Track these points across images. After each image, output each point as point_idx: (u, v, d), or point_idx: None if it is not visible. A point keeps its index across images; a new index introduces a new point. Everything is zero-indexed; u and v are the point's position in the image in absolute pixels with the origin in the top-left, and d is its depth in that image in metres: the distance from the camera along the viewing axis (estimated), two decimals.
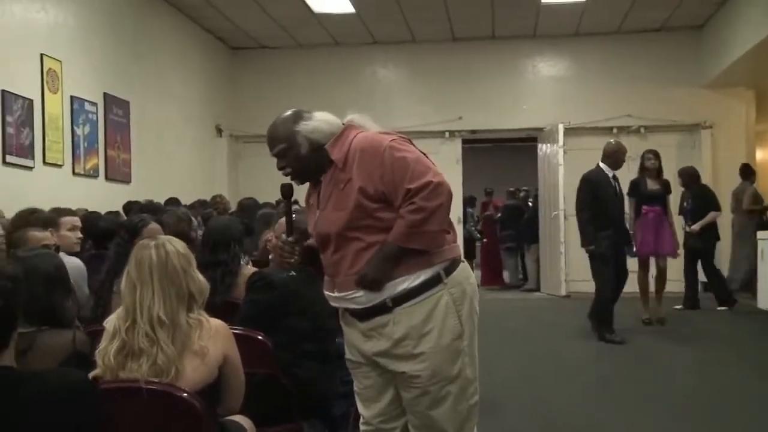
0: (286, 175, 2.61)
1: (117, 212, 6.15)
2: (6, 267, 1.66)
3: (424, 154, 2.56)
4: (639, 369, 6.00)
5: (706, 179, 9.68)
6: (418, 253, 2.46)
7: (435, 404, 2.52)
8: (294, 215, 2.79)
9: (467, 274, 2.60)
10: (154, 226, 3.58)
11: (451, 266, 2.53)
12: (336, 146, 2.52)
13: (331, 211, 2.52)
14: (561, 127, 10.87)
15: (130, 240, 3.34)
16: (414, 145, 2.56)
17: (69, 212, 4.73)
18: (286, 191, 2.71)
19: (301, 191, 2.73)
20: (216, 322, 2.49)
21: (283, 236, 2.74)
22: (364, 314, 2.53)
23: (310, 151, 2.53)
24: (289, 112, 2.60)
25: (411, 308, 2.47)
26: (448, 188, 2.45)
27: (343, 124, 2.60)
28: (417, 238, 2.43)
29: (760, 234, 8.83)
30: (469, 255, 12.41)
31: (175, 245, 2.47)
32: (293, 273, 3.09)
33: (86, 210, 5.76)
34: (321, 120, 2.55)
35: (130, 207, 6.53)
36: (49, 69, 6.88)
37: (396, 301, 2.47)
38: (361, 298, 2.49)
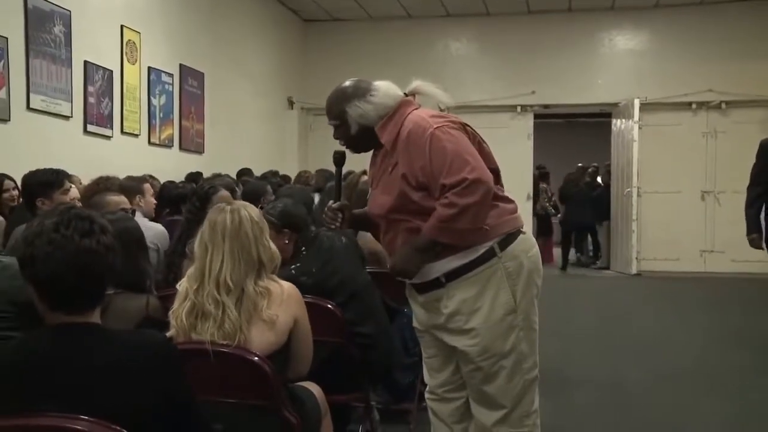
0: (342, 145, 2.61)
1: (191, 182, 6.31)
2: (109, 225, 1.68)
3: (482, 140, 2.48)
4: (714, 357, 5.77)
5: None
6: (473, 229, 2.38)
7: (488, 379, 2.48)
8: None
9: (527, 247, 2.49)
10: (224, 193, 3.61)
11: (508, 239, 2.45)
12: (387, 128, 2.46)
13: (380, 194, 2.51)
14: (637, 102, 10.59)
15: (201, 207, 3.39)
16: (471, 128, 2.48)
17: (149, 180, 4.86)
18: (338, 159, 2.65)
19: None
20: (287, 286, 2.49)
21: (330, 202, 2.67)
22: (421, 288, 2.53)
23: (359, 131, 2.49)
24: (348, 84, 2.53)
25: (464, 283, 2.44)
26: (485, 186, 2.30)
27: (406, 93, 2.53)
28: (447, 234, 2.35)
29: None
30: (544, 232, 12.19)
31: (250, 212, 2.46)
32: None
33: (150, 176, 5.91)
34: (375, 102, 2.46)
35: (193, 178, 6.68)
36: (129, 40, 7.04)
37: (449, 277, 2.44)
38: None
